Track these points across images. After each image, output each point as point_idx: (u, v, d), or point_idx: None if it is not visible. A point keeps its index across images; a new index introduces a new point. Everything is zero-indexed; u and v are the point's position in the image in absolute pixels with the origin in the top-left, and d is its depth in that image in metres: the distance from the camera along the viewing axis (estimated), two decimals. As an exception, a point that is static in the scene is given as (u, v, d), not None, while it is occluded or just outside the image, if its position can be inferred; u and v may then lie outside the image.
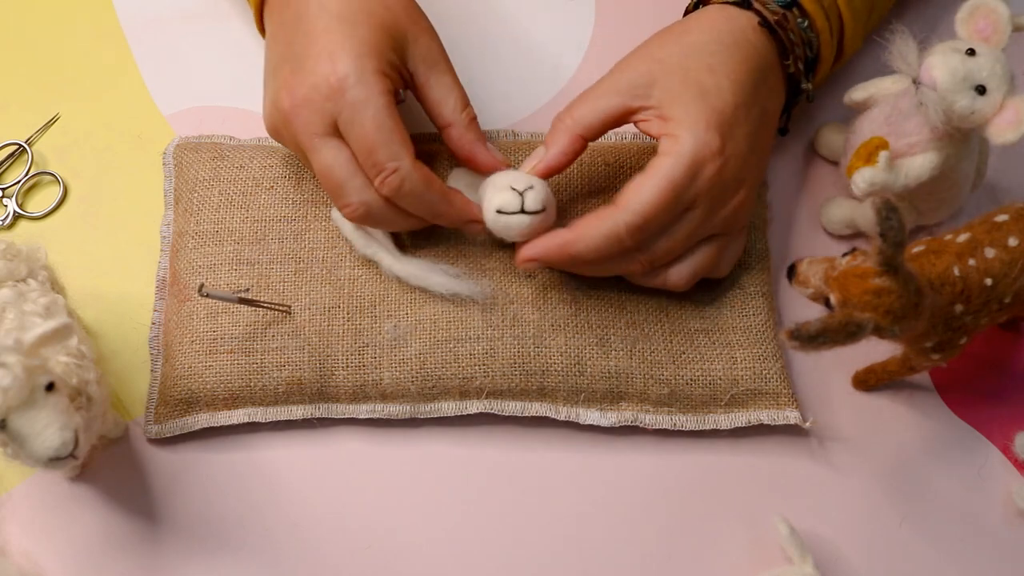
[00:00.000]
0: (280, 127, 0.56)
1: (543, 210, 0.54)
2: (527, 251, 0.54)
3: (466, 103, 0.58)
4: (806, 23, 0.58)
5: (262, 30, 0.61)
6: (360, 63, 0.53)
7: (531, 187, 0.54)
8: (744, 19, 0.57)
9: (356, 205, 0.54)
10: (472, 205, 0.56)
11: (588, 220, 0.53)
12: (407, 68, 0.56)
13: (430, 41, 0.57)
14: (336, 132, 0.53)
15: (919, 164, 0.55)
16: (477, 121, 0.58)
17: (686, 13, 0.61)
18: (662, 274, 0.57)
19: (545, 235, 0.54)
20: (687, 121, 0.53)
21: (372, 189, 0.54)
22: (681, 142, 0.52)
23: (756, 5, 0.57)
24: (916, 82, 0.54)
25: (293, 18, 0.56)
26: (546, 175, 0.55)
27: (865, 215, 0.61)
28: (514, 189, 0.54)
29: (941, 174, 0.56)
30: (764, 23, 0.57)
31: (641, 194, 0.52)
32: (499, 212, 0.54)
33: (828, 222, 0.64)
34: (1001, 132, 0.52)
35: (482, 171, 0.57)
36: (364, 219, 0.55)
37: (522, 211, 0.54)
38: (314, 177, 0.61)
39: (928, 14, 0.70)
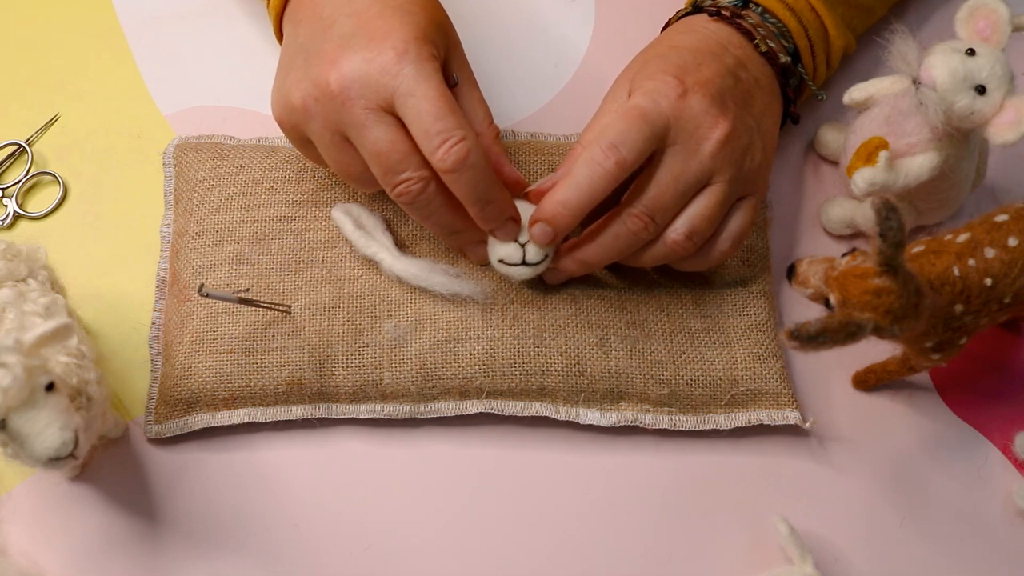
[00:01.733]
0: (312, 104, 0.52)
1: (545, 259, 0.56)
2: (532, 223, 0.54)
3: (492, 118, 0.58)
4: (771, 17, 0.60)
5: (278, 29, 0.60)
6: (418, 42, 0.52)
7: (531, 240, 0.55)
8: (700, 20, 0.60)
9: (416, 179, 0.52)
10: (512, 203, 0.55)
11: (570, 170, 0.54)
12: (447, 71, 0.56)
13: (463, 54, 0.58)
14: (390, 109, 0.52)
15: (919, 164, 0.55)
16: (500, 138, 0.58)
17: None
18: (707, 248, 0.56)
19: (559, 258, 0.56)
20: (645, 75, 0.55)
21: (427, 167, 0.52)
22: (641, 86, 0.55)
23: (706, 6, 0.61)
24: (916, 82, 0.54)
25: (334, 3, 0.54)
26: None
27: (865, 215, 0.61)
28: (516, 241, 0.55)
29: (941, 174, 0.56)
30: (716, 14, 0.59)
31: (608, 124, 0.53)
32: (501, 262, 0.56)
33: (828, 222, 0.64)
34: (1001, 132, 0.52)
35: (505, 185, 0.56)
36: (418, 197, 0.53)
37: (524, 263, 0.55)
38: (325, 173, 0.61)
39: (928, 14, 0.70)
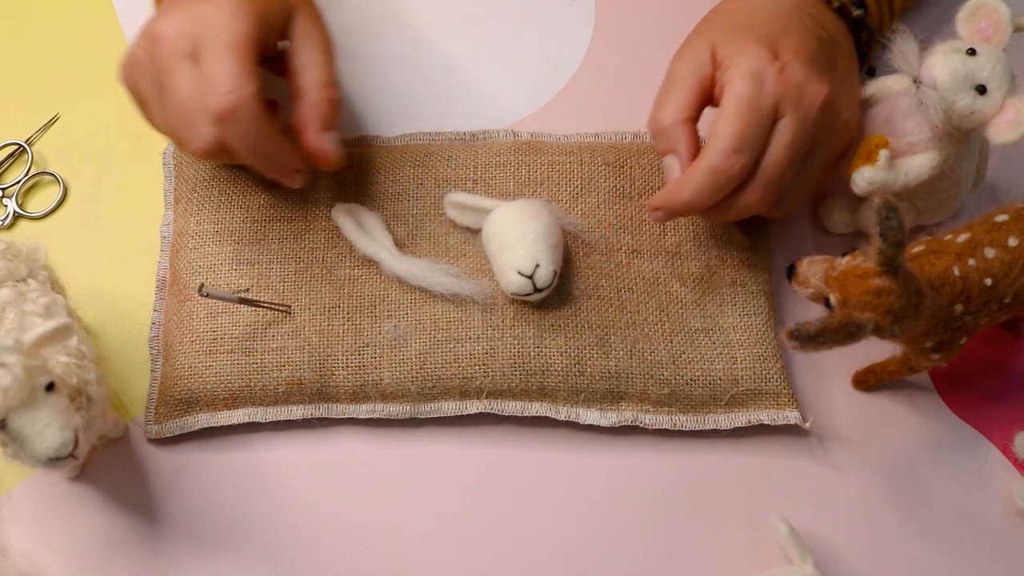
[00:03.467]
0: (142, 55, 0.54)
1: (555, 277, 0.56)
2: (653, 210, 0.57)
3: (331, 81, 0.56)
4: None
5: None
6: (239, 3, 0.53)
7: (537, 266, 0.56)
8: None
9: (206, 138, 0.52)
10: (298, 155, 0.55)
11: (692, 164, 0.55)
12: (287, 37, 0.56)
13: (315, 18, 0.57)
14: (197, 57, 0.52)
15: (919, 163, 0.55)
16: (338, 107, 0.56)
17: None
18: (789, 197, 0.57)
19: (663, 189, 0.56)
20: (735, 50, 0.55)
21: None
22: (736, 65, 0.54)
23: None
24: (916, 81, 0.54)
25: None
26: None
27: (865, 214, 0.61)
28: (521, 274, 0.56)
29: (941, 174, 0.56)
30: None
31: (721, 122, 0.54)
32: (515, 294, 0.57)
33: (828, 220, 0.64)
34: (1000, 132, 0.52)
35: (306, 152, 0.56)
36: (207, 154, 0.53)
37: (536, 291, 0.56)
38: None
39: (930, 14, 0.70)
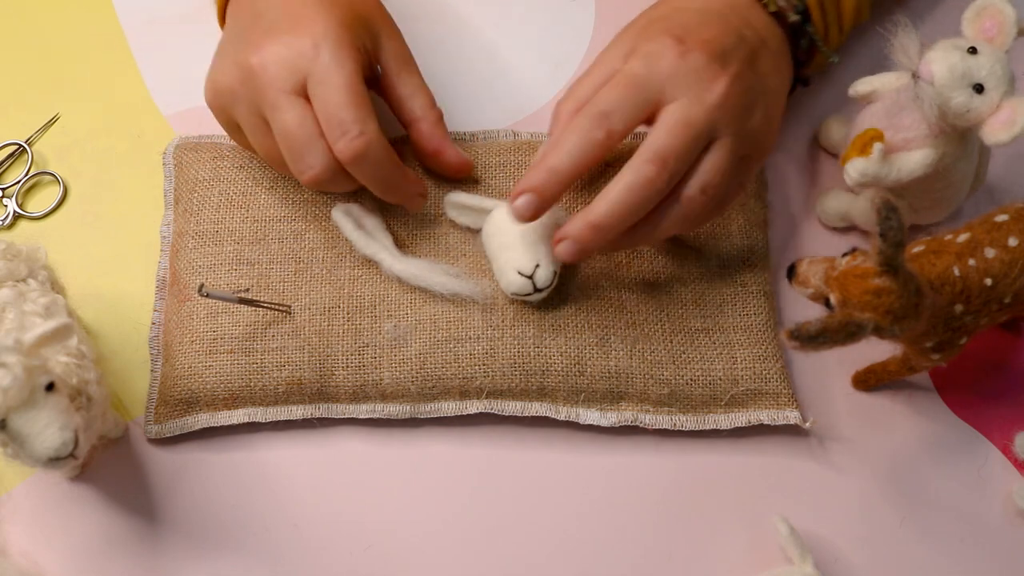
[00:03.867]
0: (238, 86, 0.54)
1: (555, 277, 0.56)
2: (560, 247, 0.53)
3: (434, 103, 0.59)
4: None
5: (222, 22, 0.61)
6: (337, 32, 0.54)
7: (537, 266, 0.56)
8: None
9: (318, 169, 0.53)
10: (422, 180, 0.58)
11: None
12: (378, 61, 0.57)
13: (401, 43, 0.59)
14: (303, 92, 0.53)
15: (914, 160, 0.55)
16: (444, 121, 0.59)
17: None
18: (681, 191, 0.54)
19: (569, 221, 0.53)
20: (645, 39, 0.55)
21: (331, 154, 0.53)
22: (638, 49, 0.54)
23: None
24: (915, 76, 0.53)
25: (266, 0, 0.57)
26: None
27: (860, 209, 0.61)
28: (522, 275, 0.56)
29: (936, 172, 0.56)
30: None
31: (601, 90, 0.53)
32: (515, 294, 0.57)
33: (823, 213, 0.64)
34: (995, 132, 0.52)
35: (448, 168, 0.59)
36: (319, 183, 0.54)
37: (536, 290, 0.56)
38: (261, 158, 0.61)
39: (933, 14, 0.70)
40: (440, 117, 0.59)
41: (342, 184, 0.56)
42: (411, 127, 0.59)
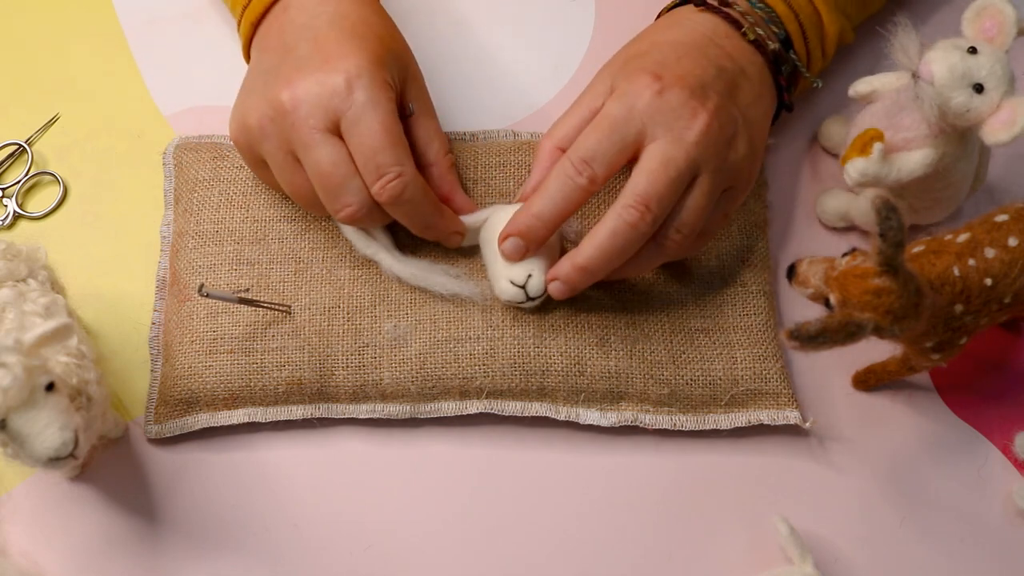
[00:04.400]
0: (268, 123, 0.54)
1: (547, 287, 0.56)
2: (551, 286, 0.55)
3: (449, 148, 0.59)
4: (759, 3, 0.59)
5: (247, 53, 0.61)
6: (372, 69, 0.53)
7: (530, 276, 0.56)
8: (686, 11, 0.60)
9: (355, 207, 0.54)
10: (459, 219, 0.58)
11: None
12: (403, 99, 0.57)
13: (423, 83, 0.59)
14: (337, 131, 0.53)
15: (914, 160, 0.55)
16: (456, 167, 0.60)
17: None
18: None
19: (559, 262, 0.55)
20: (623, 77, 0.55)
21: (367, 192, 0.54)
22: (617, 89, 0.55)
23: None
24: (915, 76, 0.53)
25: (296, 30, 0.56)
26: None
27: (860, 209, 0.61)
28: (514, 284, 0.56)
29: (936, 172, 0.56)
30: (703, 4, 0.59)
31: (581, 135, 0.54)
32: (508, 301, 0.57)
33: (822, 212, 0.64)
34: (994, 132, 0.52)
35: (455, 212, 0.59)
36: (355, 221, 0.55)
37: (529, 299, 0.56)
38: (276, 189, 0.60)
39: (934, 14, 0.70)
40: (453, 164, 0.59)
41: (378, 220, 0.56)
42: (424, 170, 0.58)
